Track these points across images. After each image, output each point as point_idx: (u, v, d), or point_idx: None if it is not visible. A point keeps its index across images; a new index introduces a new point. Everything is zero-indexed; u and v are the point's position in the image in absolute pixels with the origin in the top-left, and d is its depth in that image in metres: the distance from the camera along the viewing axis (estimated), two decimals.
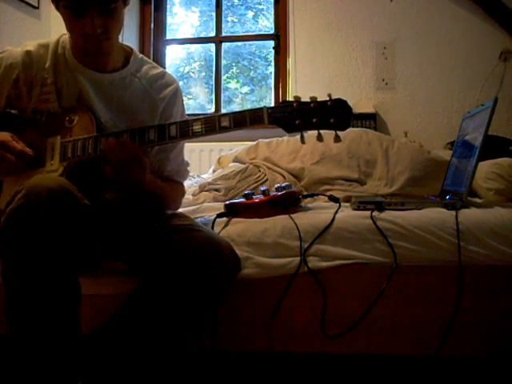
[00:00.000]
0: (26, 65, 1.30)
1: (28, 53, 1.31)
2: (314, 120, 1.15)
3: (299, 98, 1.17)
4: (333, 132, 1.17)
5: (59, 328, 1.05)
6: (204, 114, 3.19)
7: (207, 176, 2.19)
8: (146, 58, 1.43)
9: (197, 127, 1.18)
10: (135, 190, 1.26)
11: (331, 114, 1.15)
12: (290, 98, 3.02)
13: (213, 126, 1.18)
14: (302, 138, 1.18)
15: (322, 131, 1.17)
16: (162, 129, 1.20)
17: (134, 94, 1.34)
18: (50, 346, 1.04)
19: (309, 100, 1.17)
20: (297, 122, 1.15)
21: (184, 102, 1.47)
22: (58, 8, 1.22)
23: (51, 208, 1.01)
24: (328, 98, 1.17)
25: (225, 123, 1.17)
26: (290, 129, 1.16)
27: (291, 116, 1.16)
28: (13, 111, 1.32)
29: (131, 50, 1.40)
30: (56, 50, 1.32)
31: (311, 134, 1.17)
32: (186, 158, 1.50)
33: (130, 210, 1.30)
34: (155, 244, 1.22)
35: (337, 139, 1.17)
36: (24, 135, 1.24)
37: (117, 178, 1.18)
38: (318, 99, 1.17)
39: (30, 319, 1.03)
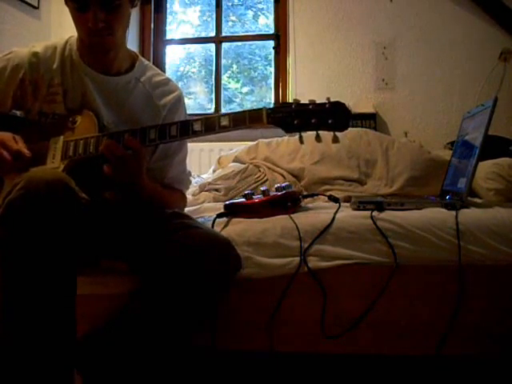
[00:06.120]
0: (32, 65, 1.32)
1: (35, 54, 1.33)
2: (313, 120, 1.15)
3: (298, 100, 1.18)
4: (332, 133, 1.17)
5: (55, 319, 1.04)
6: (204, 115, 3.23)
7: (207, 176, 2.19)
8: (151, 65, 1.46)
9: (197, 126, 1.19)
10: (133, 190, 1.26)
11: (329, 116, 1.15)
12: (290, 97, 3.02)
13: (213, 125, 1.19)
14: (301, 138, 1.18)
15: (321, 132, 1.17)
16: (163, 128, 1.22)
17: (137, 99, 1.36)
18: (44, 337, 1.03)
19: (307, 102, 1.17)
20: (295, 122, 1.16)
21: (186, 108, 1.47)
22: (66, 2, 1.24)
23: (50, 199, 1.01)
24: (327, 101, 1.17)
25: (224, 122, 1.18)
26: (289, 129, 1.17)
27: (290, 116, 1.16)
28: (18, 113, 1.33)
29: (137, 55, 1.42)
30: (63, 51, 1.34)
31: (310, 135, 1.17)
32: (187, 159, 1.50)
33: (129, 209, 1.31)
34: (155, 242, 1.22)
35: (335, 140, 1.17)
36: (28, 137, 1.24)
37: (115, 175, 1.19)
38: (317, 102, 1.17)
39: (26, 310, 1.02)
